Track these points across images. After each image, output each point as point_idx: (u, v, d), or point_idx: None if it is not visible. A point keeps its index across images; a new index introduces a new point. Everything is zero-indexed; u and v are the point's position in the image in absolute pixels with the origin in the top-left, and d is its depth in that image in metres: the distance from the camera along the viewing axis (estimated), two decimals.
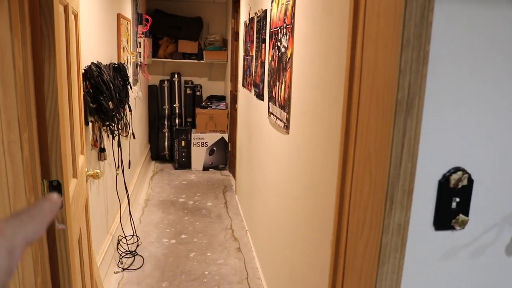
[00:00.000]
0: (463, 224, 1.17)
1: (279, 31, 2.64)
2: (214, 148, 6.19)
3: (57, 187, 1.43)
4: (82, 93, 2.21)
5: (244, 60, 4.40)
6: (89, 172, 2.25)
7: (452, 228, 1.18)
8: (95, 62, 2.84)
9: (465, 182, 1.15)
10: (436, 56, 1.06)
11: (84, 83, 2.60)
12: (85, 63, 2.67)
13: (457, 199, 1.16)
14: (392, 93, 1.05)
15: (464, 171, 1.14)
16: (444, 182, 1.14)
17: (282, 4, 2.58)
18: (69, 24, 1.74)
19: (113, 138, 3.41)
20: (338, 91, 1.61)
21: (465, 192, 1.16)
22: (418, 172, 1.11)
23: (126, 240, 3.75)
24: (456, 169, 1.14)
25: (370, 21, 1.18)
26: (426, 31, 1.02)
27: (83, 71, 2.59)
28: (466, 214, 1.17)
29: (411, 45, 1.02)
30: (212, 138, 6.16)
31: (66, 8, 1.70)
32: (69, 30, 1.75)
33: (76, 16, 2.04)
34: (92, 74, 2.69)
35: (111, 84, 2.90)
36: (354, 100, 1.27)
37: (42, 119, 1.38)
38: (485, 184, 1.17)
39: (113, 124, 3.12)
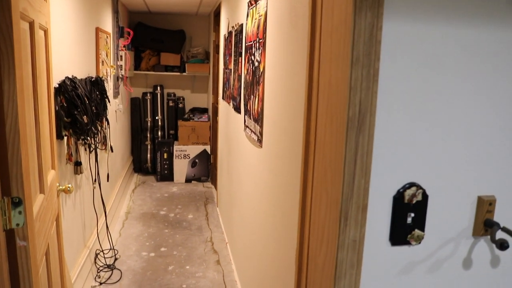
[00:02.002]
0: (418, 239, 1.18)
1: (253, 45, 2.66)
2: (197, 160, 6.17)
3: (18, 204, 1.42)
4: (53, 107, 2.20)
5: (223, 73, 4.42)
6: (60, 187, 2.24)
7: (408, 243, 1.19)
8: (70, 77, 2.83)
9: (419, 197, 1.16)
10: (386, 74, 1.08)
11: (58, 97, 2.59)
12: (59, 77, 2.66)
13: (412, 215, 1.17)
14: (344, 110, 1.06)
15: (419, 187, 1.16)
16: (398, 198, 1.15)
17: (256, 18, 2.60)
18: (35, 40, 1.73)
19: (90, 151, 3.39)
20: (302, 107, 1.63)
21: (420, 207, 1.17)
22: (372, 188, 1.12)
23: (104, 253, 3.71)
24: (410, 185, 1.16)
25: (325, 38, 1.20)
26: (375, 49, 1.04)
27: (57, 85, 2.58)
28: (422, 229, 1.19)
29: (361, 63, 1.04)
30: (194, 150, 6.15)
31: (32, 24, 1.70)
32: (36, 46, 1.75)
33: (46, 32, 2.03)
34: (66, 89, 2.68)
35: (86, 98, 2.89)
36: (313, 117, 1.28)
37: (2, 136, 1.37)
38: (440, 199, 1.18)
39: (88, 137, 3.11)
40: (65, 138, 2.77)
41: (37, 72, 1.75)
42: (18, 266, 1.46)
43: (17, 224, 1.43)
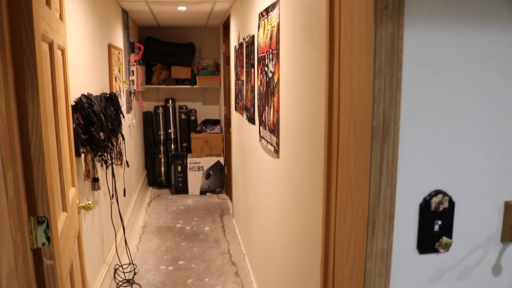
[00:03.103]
0: (446, 246, 1.17)
1: (266, 56, 2.67)
2: (211, 172, 6.19)
3: (43, 223, 1.43)
4: (71, 125, 2.23)
5: (235, 84, 4.44)
6: (81, 204, 2.25)
7: (436, 251, 1.18)
8: (86, 94, 2.86)
9: (446, 204, 1.16)
10: (409, 82, 1.08)
11: (75, 115, 2.62)
12: (75, 95, 2.69)
13: (439, 222, 1.16)
14: (368, 120, 1.06)
15: (445, 194, 1.15)
16: (425, 206, 1.15)
17: (268, 30, 2.61)
18: (54, 60, 1.76)
19: (107, 167, 3.42)
20: (321, 117, 1.63)
21: (447, 215, 1.16)
22: (398, 197, 1.12)
23: (123, 268, 3.73)
24: (436, 192, 1.15)
25: (345, 48, 1.20)
26: (398, 58, 1.04)
27: (74, 103, 2.61)
28: (450, 237, 1.18)
29: (383, 72, 1.04)
30: (208, 162, 6.17)
31: (51, 45, 1.72)
32: (55, 66, 1.78)
33: (63, 52, 2.07)
34: (83, 106, 2.71)
35: (102, 115, 2.92)
36: (334, 127, 1.28)
37: (27, 157, 1.39)
38: (467, 205, 1.18)
39: (105, 154, 3.13)
40: (83, 155, 2.80)
41: (57, 91, 1.78)
42: (46, 285, 1.47)
43: (43, 243, 1.45)
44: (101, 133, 2.87)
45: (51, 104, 1.69)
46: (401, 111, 1.08)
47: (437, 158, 1.13)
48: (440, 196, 1.15)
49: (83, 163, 2.83)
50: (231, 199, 5.54)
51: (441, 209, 1.15)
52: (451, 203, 1.16)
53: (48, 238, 1.45)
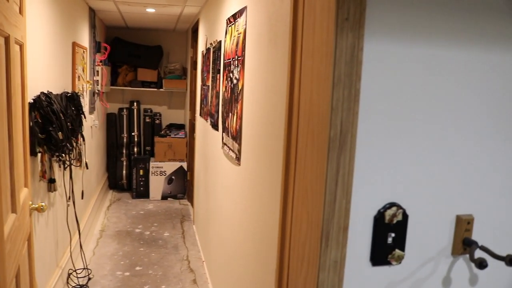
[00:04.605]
0: (399, 259, 1.18)
1: (232, 62, 2.66)
2: (173, 177, 6.11)
3: None
4: (27, 124, 2.15)
5: (201, 90, 4.41)
6: (33, 206, 2.17)
7: (389, 263, 1.18)
8: (45, 92, 2.78)
9: (400, 217, 1.16)
10: (367, 94, 1.08)
11: (33, 113, 2.54)
12: (34, 93, 2.61)
13: (393, 235, 1.17)
14: (325, 130, 1.06)
15: (399, 207, 1.16)
16: (379, 218, 1.15)
17: (235, 36, 2.61)
18: (10, 55, 1.70)
19: (65, 168, 3.32)
20: (281, 126, 1.62)
21: (400, 227, 1.17)
22: (353, 209, 1.12)
23: (77, 273, 3.62)
24: (390, 205, 1.16)
25: (306, 58, 1.20)
26: (357, 70, 1.05)
27: (32, 101, 2.53)
28: (402, 249, 1.18)
29: (342, 83, 1.04)
30: (171, 166, 6.09)
31: (7, 39, 1.66)
32: (11, 61, 1.71)
33: (21, 47, 2.00)
34: (41, 104, 2.63)
35: (61, 114, 2.84)
36: (293, 136, 1.28)
37: None
38: (420, 218, 1.19)
39: (63, 154, 3.04)
40: (39, 154, 2.71)
41: (11, 87, 1.71)
42: None
43: None
44: (60, 133, 2.79)
45: (4, 100, 1.62)
46: (358, 123, 1.08)
47: (392, 171, 1.14)
48: (394, 208, 1.15)
49: (39, 163, 2.74)
50: (192, 205, 5.49)
51: (394, 221, 1.16)
52: (405, 216, 1.17)
53: None
